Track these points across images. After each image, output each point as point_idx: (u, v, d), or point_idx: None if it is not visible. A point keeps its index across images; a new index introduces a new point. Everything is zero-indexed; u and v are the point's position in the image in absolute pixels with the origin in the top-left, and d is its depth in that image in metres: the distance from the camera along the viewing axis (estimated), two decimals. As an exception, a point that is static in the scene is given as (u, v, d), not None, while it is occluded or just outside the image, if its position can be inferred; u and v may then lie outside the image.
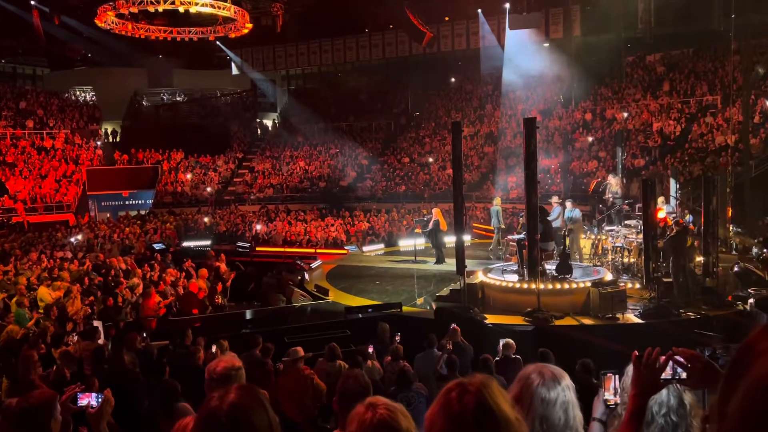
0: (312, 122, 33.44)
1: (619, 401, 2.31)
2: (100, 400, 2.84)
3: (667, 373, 1.95)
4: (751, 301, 10.25)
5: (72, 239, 20.59)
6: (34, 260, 15.74)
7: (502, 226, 16.29)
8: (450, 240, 15.63)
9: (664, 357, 1.95)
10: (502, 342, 7.90)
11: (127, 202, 30.00)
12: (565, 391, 2.00)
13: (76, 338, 8.64)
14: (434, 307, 11.68)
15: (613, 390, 2.42)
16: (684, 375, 1.94)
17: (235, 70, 37.56)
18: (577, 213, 14.12)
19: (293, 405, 6.31)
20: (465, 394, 1.42)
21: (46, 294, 11.86)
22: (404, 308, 11.86)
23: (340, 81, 38.90)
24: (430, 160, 29.53)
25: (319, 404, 6.75)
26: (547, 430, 1.93)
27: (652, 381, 1.95)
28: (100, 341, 8.57)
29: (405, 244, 19.45)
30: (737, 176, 18.52)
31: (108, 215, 28.07)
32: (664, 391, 2.09)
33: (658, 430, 2.06)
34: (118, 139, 34.15)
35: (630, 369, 2.07)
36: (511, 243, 14.05)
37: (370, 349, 8.39)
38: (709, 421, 2.07)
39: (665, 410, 2.07)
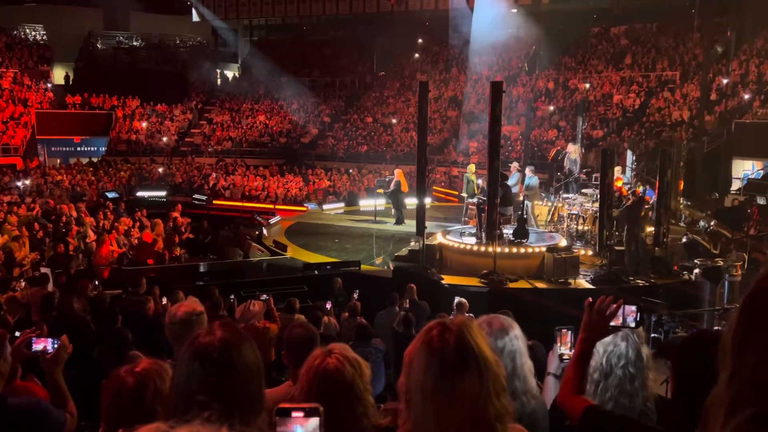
0: (274, 75, 32.63)
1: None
2: (55, 345, 2.75)
3: (617, 322, 2.03)
4: (696, 271, 10.67)
5: (19, 183, 19.84)
6: (-21, 203, 15.13)
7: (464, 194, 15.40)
8: (411, 201, 15.66)
9: (614, 305, 2.04)
10: (456, 300, 8.03)
11: (78, 149, 28.98)
12: (512, 340, 2.08)
13: (23, 284, 8.39)
14: (392, 266, 11.76)
15: (569, 344, 2.47)
16: (632, 324, 2.04)
17: (195, 17, 36.20)
18: (534, 180, 14.37)
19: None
20: (446, 332, 1.44)
21: (-9, 238, 11.43)
22: (363, 267, 11.92)
23: (305, 34, 37.95)
24: (394, 121, 29.33)
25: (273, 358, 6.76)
26: None
27: (600, 327, 2.03)
28: (50, 288, 8.34)
29: (365, 203, 19.42)
30: (690, 151, 19.02)
31: (58, 161, 27.12)
32: (623, 344, 2.17)
33: (616, 381, 2.14)
34: (70, 83, 32.72)
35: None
36: (470, 206, 14.18)
37: (328, 305, 8.44)
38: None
39: (624, 362, 2.14)
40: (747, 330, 0.76)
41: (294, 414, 1.30)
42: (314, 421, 1.30)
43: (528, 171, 14.46)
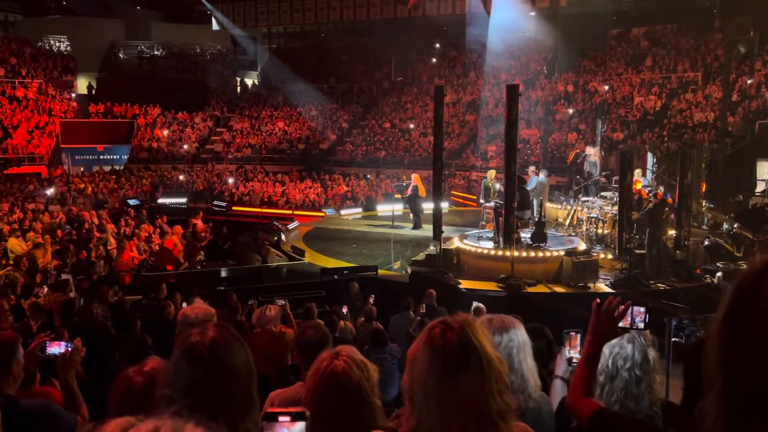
0: (293, 82, 32.88)
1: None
2: (69, 349, 2.79)
3: (625, 323, 2.01)
4: (719, 274, 10.49)
5: (45, 192, 20.23)
6: (5, 211, 15.44)
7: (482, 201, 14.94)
8: (428, 206, 15.64)
9: (623, 306, 2.02)
10: (473, 305, 7.98)
11: (101, 157, 29.48)
12: (512, 339, 2.08)
13: (46, 290, 8.53)
14: (409, 271, 11.75)
15: (578, 348, 2.45)
16: (641, 325, 2.02)
17: (215, 26, 36.65)
18: (542, 179, 14.47)
19: (266, 361, 6.33)
20: (448, 330, 1.45)
21: (16, 245, 11.67)
22: (380, 271, 11.92)
23: (323, 41, 38.21)
24: (411, 126, 29.34)
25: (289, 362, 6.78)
26: None
27: (609, 329, 2.01)
28: (71, 294, 8.47)
29: (383, 208, 19.43)
30: (713, 153, 18.71)
31: (82, 169, 27.60)
32: (629, 346, 2.14)
33: (622, 383, 2.11)
34: (93, 92, 33.30)
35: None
36: (488, 210, 14.12)
37: (344, 310, 8.45)
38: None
39: (630, 364, 2.12)
40: (735, 341, 0.71)
41: (281, 418, 1.32)
42: (300, 426, 1.31)
43: (541, 174, 14.59)
